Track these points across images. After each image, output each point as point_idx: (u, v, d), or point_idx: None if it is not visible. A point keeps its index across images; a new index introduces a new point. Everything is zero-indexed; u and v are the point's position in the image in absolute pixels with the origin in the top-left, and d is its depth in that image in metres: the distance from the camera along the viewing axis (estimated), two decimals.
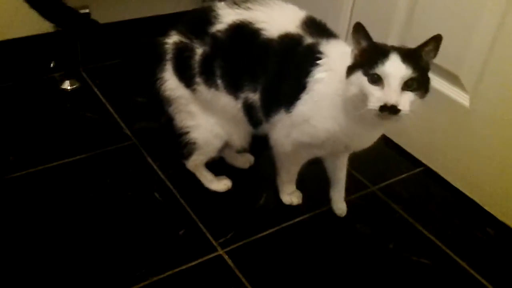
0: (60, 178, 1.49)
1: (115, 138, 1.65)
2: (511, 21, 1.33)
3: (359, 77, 1.08)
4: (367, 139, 1.24)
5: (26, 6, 1.73)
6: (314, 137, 1.23)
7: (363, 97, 1.07)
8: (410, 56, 1.07)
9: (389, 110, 1.04)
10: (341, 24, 1.75)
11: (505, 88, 1.38)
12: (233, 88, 1.28)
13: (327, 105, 1.19)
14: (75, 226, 1.35)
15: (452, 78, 1.51)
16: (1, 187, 1.43)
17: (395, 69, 1.05)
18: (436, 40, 1.08)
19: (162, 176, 1.53)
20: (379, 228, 1.46)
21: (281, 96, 1.24)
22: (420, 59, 1.08)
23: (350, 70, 1.11)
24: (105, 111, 1.77)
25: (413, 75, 1.05)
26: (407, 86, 1.06)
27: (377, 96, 1.05)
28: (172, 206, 1.44)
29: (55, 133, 1.66)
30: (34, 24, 1.83)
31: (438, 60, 1.44)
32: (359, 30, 1.10)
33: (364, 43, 1.10)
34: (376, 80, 1.06)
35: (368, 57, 1.08)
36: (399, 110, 1.04)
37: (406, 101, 1.05)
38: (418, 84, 1.06)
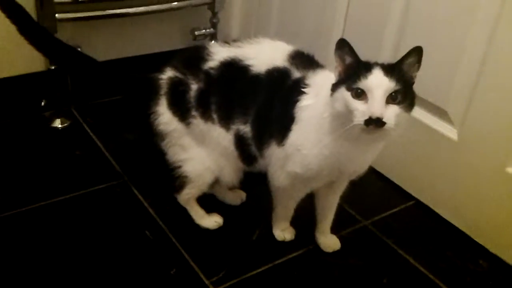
0: (51, 217, 1.48)
1: (106, 176, 1.65)
2: (495, 53, 1.36)
3: (343, 93, 1.09)
4: (359, 161, 1.23)
5: (16, 46, 1.76)
6: (306, 167, 1.23)
7: (348, 113, 1.08)
8: (393, 69, 1.08)
9: (375, 123, 1.05)
10: (331, 56, 1.78)
11: (491, 121, 1.41)
12: (226, 121, 1.31)
13: (314, 129, 1.20)
14: (65, 266, 1.33)
15: (440, 112, 1.54)
16: None
17: (378, 82, 1.06)
18: (417, 52, 1.09)
19: (153, 214, 1.52)
20: (373, 263, 1.45)
21: (271, 129, 1.27)
22: (403, 72, 1.09)
23: (334, 87, 1.12)
24: (96, 149, 1.77)
25: (397, 88, 1.06)
26: (391, 99, 1.06)
27: (361, 110, 1.06)
28: (163, 244, 1.43)
29: (46, 171, 1.65)
30: (25, 63, 1.86)
31: (426, 95, 1.50)
32: (343, 46, 1.11)
33: (348, 59, 1.11)
34: (360, 94, 1.07)
35: (351, 73, 1.09)
36: (384, 123, 1.05)
37: (391, 113, 1.06)
38: (402, 97, 1.07)
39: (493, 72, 1.37)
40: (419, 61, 1.10)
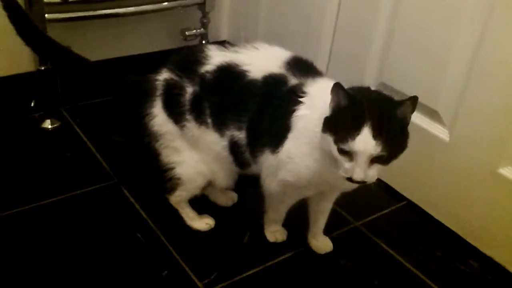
0: (41, 219, 1.46)
1: (96, 178, 1.63)
2: (485, 53, 1.36)
3: (331, 144, 1.09)
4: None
5: (5, 46, 1.75)
6: (297, 176, 1.23)
7: (334, 158, 1.10)
8: (384, 126, 1.05)
9: (357, 182, 1.09)
10: (320, 57, 1.79)
11: (483, 121, 1.41)
12: (220, 127, 1.29)
13: (306, 141, 1.19)
14: (56, 269, 1.32)
15: (431, 113, 1.54)
16: None
17: (364, 146, 1.04)
18: (412, 101, 1.08)
19: (145, 216, 1.51)
20: (364, 264, 1.45)
21: (266, 136, 1.26)
22: (395, 121, 1.08)
23: (326, 125, 1.11)
24: (86, 151, 1.76)
25: (383, 153, 1.05)
26: (377, 159, 1.06)
27: (345, 167, 1.08)
28: (154, 246, 1.42)
29: (35, 173, 1.64)
30: (14, 64, 1.85)
31: (417, 95, 1.49)
32: (338, 91, 1.08)
33: (343, 102, 1.08)
34: (346, 152, 1.07)
35: (342, 124, 1.07)
36: (366, 182, 1.08)
37: (374, 173, 1.08)
38: (388, 157, 1.07)
39: (484, 72, 1.38)
40: (413, 108, 1.09)
